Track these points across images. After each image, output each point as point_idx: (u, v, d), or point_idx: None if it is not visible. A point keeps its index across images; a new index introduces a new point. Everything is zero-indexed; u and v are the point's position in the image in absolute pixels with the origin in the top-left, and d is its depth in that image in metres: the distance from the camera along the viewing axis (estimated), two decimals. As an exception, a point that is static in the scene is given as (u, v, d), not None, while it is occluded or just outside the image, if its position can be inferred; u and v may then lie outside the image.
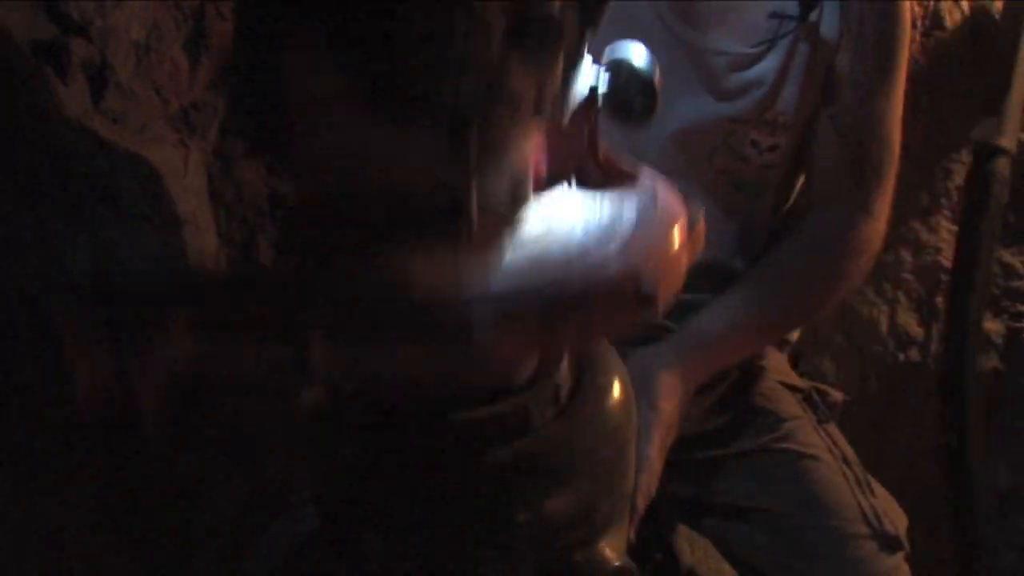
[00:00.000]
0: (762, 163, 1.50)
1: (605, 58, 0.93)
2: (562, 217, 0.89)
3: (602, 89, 0.92)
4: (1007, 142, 2.06)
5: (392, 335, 0.88)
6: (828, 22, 1.44)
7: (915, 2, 2.05)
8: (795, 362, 1.67)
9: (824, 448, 1.55)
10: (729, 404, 1.60)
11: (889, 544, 1.47)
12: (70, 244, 1.46)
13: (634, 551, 1.55)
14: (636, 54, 0.93)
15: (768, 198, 1.59)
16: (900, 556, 1.52)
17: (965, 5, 2.10)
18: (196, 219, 1.74)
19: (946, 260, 2.04)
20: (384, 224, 0.88)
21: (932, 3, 2.04)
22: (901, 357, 2.14)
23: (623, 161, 1.00)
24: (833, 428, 1.61)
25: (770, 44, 1.43)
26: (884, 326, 2.16)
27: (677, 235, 0.91)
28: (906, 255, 1.99)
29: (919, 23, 2.05)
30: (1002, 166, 2.03)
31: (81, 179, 1.57)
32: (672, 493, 1.56)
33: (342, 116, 0.87)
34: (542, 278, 0.84)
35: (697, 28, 1.47)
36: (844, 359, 2.04)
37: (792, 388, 1.62)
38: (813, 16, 1.43)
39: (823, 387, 1.67)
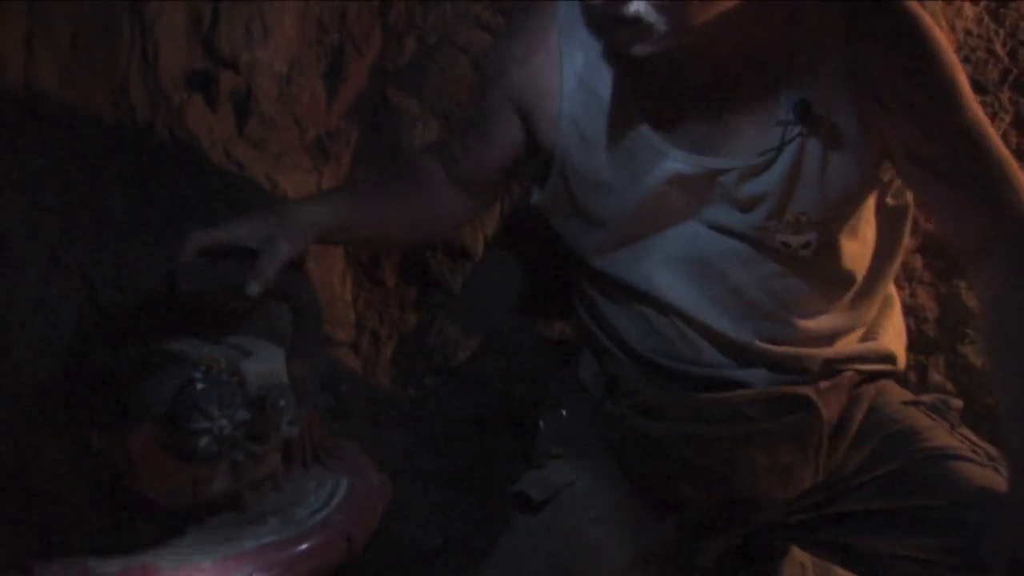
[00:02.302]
0: (802, 256, 1.47)
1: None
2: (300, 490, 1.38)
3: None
4: None
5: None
6: (840, 116, 1.38)
7: (993, 24, 2.03)
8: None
9: (967, 449, 1.54)
10: (866, 438, 1.60)
11: None
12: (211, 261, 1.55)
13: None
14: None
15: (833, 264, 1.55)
16: None
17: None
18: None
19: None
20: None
21: (1013, 15, 2.02)
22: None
23: (339, 447, 1.47)
24: (967, 430, 1.59)
25: (777, 151, 1.38)
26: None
27: (376, 501, 1.42)
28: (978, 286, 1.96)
29: (1002, 34, 2.03)
30: None
31: (221, 200, 1.69)
32: (828, 541, 1.57)
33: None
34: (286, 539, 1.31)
35: (704, 152, 1.44)
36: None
37: (916, 403, 1.62)
38: (817, 114, 1.37)
39: (943, 397, 1.65)
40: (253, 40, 1.80)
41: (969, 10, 2.01)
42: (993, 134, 1.40)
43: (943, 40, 1.38)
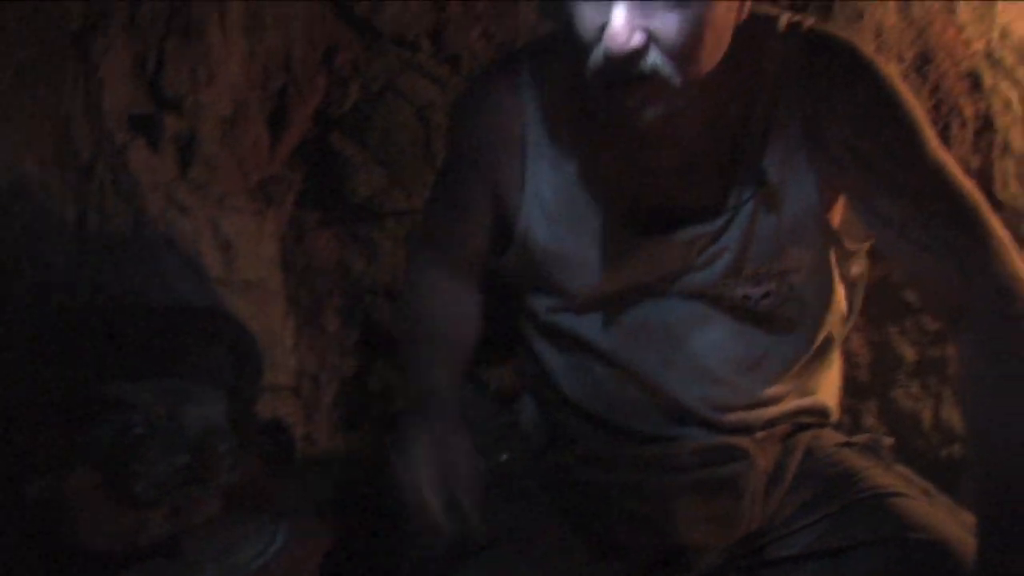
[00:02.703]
0: (763, 309, 1.48)
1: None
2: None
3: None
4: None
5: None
6: (797, 176, 1.36)
7: (967, 103, 2.12)
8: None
9: (904, 485, 1.55)
10: (804, 483, 1.62)
11: None
12: (151, 303, 1.56)
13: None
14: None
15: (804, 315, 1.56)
16: None
17: (1017, 107, 2.15)
18: (267, 284, 1.84)
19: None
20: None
21: (983, 106, 2.10)
22: (943, 453, 2.15)
23: (279, 492, 1.49)
24: (902, 467, 1.60)
25: (734, 213, 1.37)
26: (927, 421, 2.17)
27: (315, 547, 1.46)
28: (952, 351, 2.01)
29: (969, 124, 2.11)
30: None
31: (162, 243, 1.68)
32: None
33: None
34: None
35: (664, 221, 1.43)
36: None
37: (850, 445, 1.64)
38: (772, 177, 1.36)
39: (875, 436, 1.68)
40: (198, 83, 1.81)
41: (895, 67, 2.08)
42: (963, 184, 1.35)
43: (902, 92, 1.35)
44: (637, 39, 1.17)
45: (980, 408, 1.34)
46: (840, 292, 1.54)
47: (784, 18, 1.39)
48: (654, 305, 1.47)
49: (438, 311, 1.60)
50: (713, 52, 1.24)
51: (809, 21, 1.39)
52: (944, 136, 2.05)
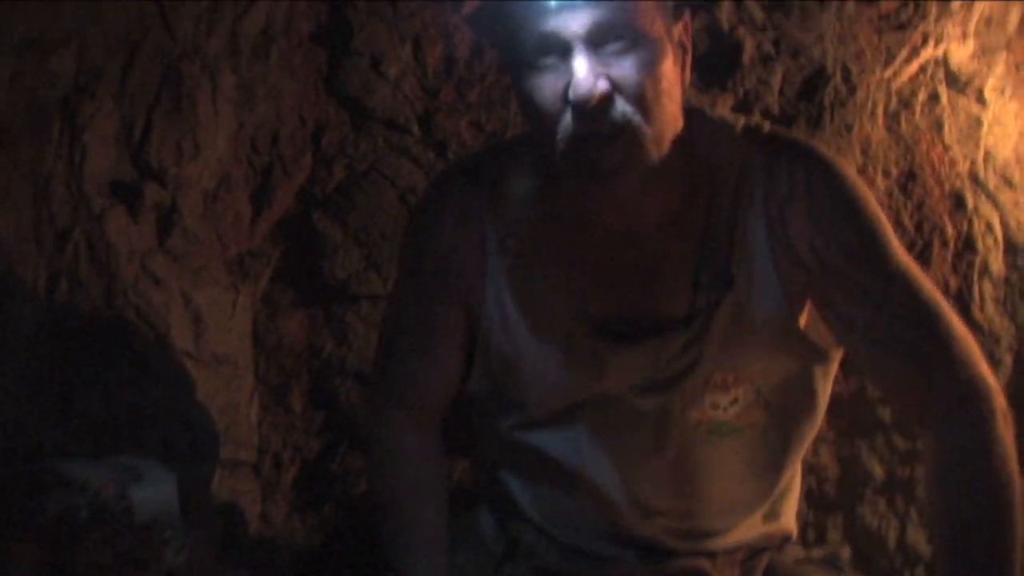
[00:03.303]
0: (731, 418, 1.46)
1: None
2: None
3: None
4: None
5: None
6: (762, 279, 1.36)
7: (949, 224, 2.13)
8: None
9: None
10: None
11: None
12: (115, 373, 1.54)
13: None
14: None
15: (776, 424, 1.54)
16: None
17: (998, 230, 2.17)
18: (236, 360, 1.83)
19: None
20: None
21: (965, 227, 2.11)
22: (907, 574, 2.12)
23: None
24: None
25: (701, 319, 1.36)
26: (892, 541, 2.15)
27: None
28: (921, 471, 1.99)
29: (951, 244, 2.12)
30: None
31: (131, 313, 1.67)
32: None
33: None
34: None
35: (629, 329, 1.36)
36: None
37: (810, 560, 1.63)
38: (739, 281, 1.36)
39: (833, 550, 1.66)
40: (183, 155, 1.81)
41: (881, 182, 2.09)
42: (924, 286, 1.36)
43: (864, 195, 1.38)
44: (602, 85, 1.21)
45: (945, 508, 1.33)
46: (820, 403, 1.51)
47: (741, 122, 1.41)
48: (618, 418, 1.43)
49: (411, 492, 1.52)
50: (670, 106, 1.27)
51: (767, 125, 1.41)
52: (926, 255, 2.06)
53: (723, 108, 2.03)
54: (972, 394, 1.34)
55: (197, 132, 1.83)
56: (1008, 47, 2.46)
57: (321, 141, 1.96)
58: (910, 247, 2.07)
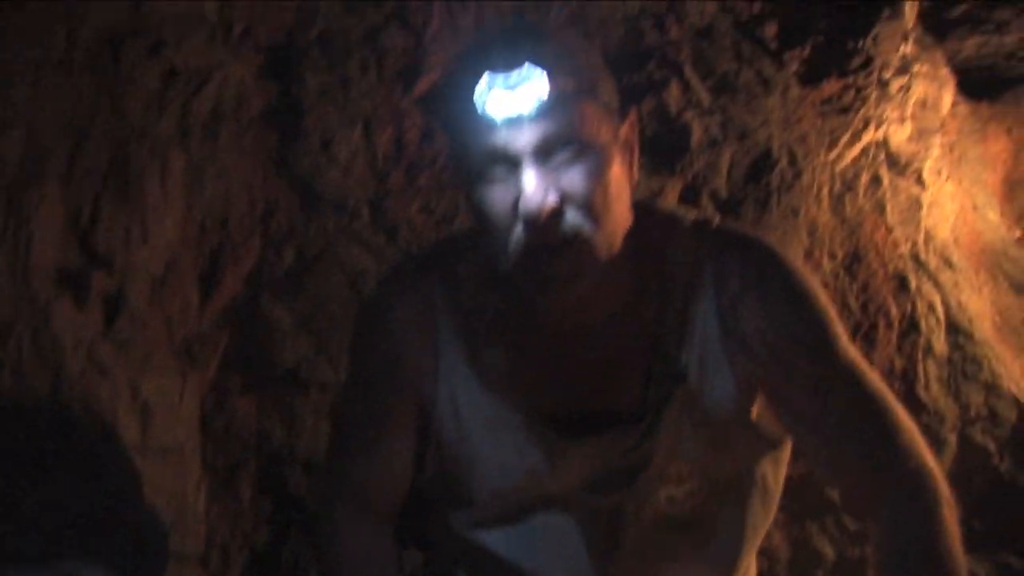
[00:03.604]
0: (691, 507, 1.47)
1: None
2: None
3: None
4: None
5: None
6: (715, 372, 1.37)
7: (894, 304, 2.17)
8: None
9: None
10: None
11: None
12: (61, 471, 1.51)
13: None
14: None
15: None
16: None
17: (940, 310, 2.21)
18: (183, 449, 1.80)
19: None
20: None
21: (909, 308, 2.15)
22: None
23: None
24: None
25: (654, 413, 1.36)
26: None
27: None
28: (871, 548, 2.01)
29: (896, 324, 2.16)
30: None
31: (78, 406, 1.64)
32: None
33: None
34: None
35: (581, 425, 1.36)
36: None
37: None
38: (691, 375, 1.36)
39: None
40: (131, 241, 1.79)
41: (827, 264, 2.13)
42: (871, 379, 1.38)
43: (813, 288, 1.40)
44: (552, 198, 1.21)
45: None
46: (774, 492, 1.51)
47: (691, 216, 1.43)
48: (572, 516, 1.42)
49: None
50: (620, 209, 1.28)
51: (716, 219, 1.43)
52: (871, 336, 2.09)
53: (672, 192, 2.06)
54: (917, 484, 1.37)
55: (146, 216, 1.81)
56: (942, 129, 2.53)
57: (270, 224, 1.95)
58: (856, 328, 2.10)
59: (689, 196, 2.09)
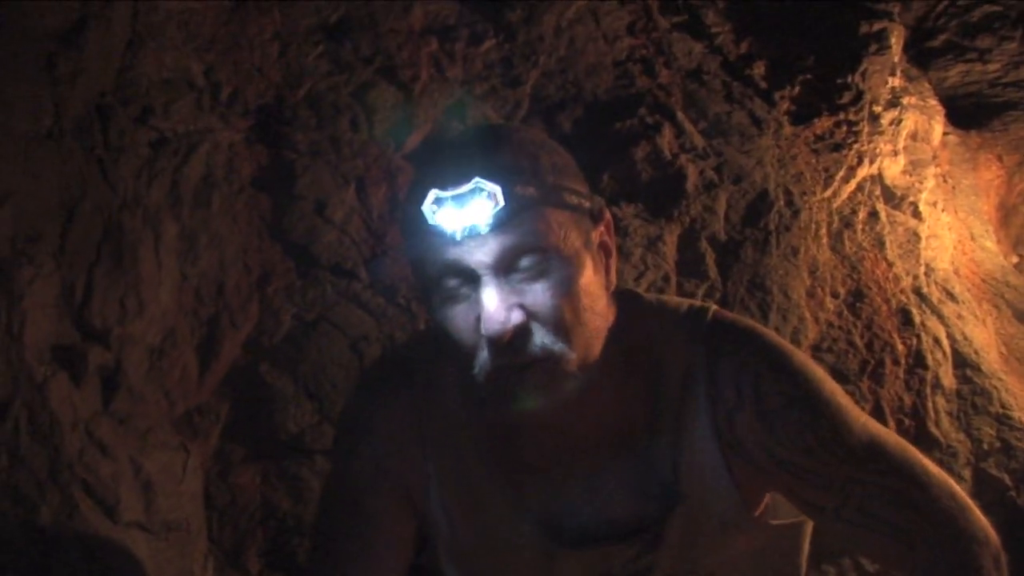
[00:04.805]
0: None
1: None
2: None
3: None
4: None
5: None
6: (714, 477, 1.28)
7: (898, 340, 2.16)
8: None
9: None
10: None
11: None
12: (60, 558, 1.47)
13: None
14: None
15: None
16: None
17: (946, 343, 2.20)
18: (189, 524, 1.75)
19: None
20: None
21: (914, 343, 2.14)
22: None
23: None
24: None
25: (655, 525, 1.29)
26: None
27: None
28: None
29: (902, 360, 2.14)
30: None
31: (78, 486, 1.60)
32: None
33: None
34: None
35: (581, 536, 1.29)
36: None
37: None
38: (691, 491, 1.28)
39: None
40: (126, 314, 1.76)
41: (830, 303, 2.11)
42: (892, 450, 1.29)
43: (816, 379, 1.30)
44: (516, 316, 1.12)
45: None
46: (798, 563, 1.44)
47: (684, 307, 1.33)
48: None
49: None
50: (594, 319, 1.19)
51: (711, 310, 1.32)
52: (878, 374, 2.07)
53: (670, 238, 2.04)
54: (962, 553, 1.27)
55: (140, 288, 1.78)
56: (935, 160, 2.54)
57: (267, 289, 1.92)
58: (863, 367, 2.08)
59: (687, 241, 2.07)
